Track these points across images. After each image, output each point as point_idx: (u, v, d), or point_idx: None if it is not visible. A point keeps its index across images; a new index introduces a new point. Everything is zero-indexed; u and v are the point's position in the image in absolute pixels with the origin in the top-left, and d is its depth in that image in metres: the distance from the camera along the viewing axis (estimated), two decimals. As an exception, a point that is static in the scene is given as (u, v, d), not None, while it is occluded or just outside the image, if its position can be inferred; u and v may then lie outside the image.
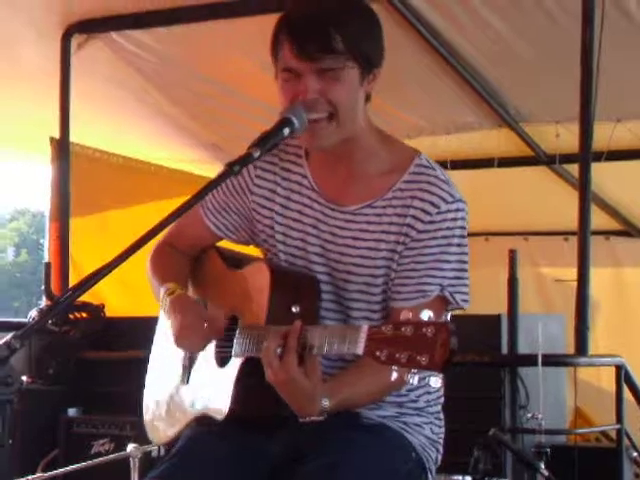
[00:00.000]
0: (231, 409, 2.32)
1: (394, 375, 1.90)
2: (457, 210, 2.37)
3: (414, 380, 1.88)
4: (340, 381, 2.32)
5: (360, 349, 2.00)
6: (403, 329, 1.90)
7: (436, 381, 1.88)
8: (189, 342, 2.43)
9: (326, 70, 2.28)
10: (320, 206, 2.45)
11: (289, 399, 2.21)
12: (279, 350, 2.17)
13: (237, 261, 2.58)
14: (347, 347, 2.05)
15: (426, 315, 1.89)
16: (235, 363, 2.36)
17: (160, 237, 2.60)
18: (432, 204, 2.36)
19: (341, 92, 2.31)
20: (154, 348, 2.74)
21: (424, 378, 1.88)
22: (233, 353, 2.37)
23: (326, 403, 2.21)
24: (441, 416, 2.55)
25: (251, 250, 2.65)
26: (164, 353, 2.66)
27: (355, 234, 2.41)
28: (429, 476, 2.51)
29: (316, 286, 2.41)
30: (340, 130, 2.34)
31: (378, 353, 1.93)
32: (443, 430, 2.56)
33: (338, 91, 2.30)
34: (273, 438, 2.40)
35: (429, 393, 2.50)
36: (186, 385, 2.53)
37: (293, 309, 2.31)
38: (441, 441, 2.55)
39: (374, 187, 2.41)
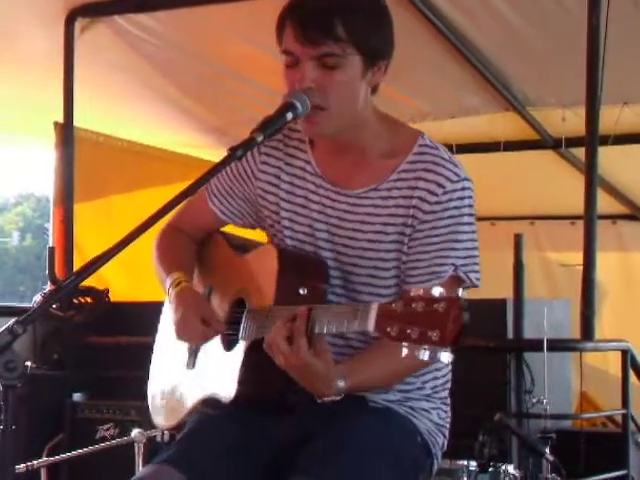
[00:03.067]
0: (238, 392, 2.31)
1: (404, 351, 1.88)
2: (463, 189, 2.36)
3: (425, 356, 1.85)
4: (355, 362, 2.31)
5: (371, 325, 1.97)
6: (414, 305, 1.87)
7: (447, 357, 1.85)
8: (188, 338, 2.47)
9: (326, 57, 2.27)
10: (326, 191, 2.44)
11: (303, 382, 2.20)
12: (287, 334, 2.15)
13: (243, 246, 2.57)
14: (358, 324, 2.03)
15: (437, 291, 1.86)
16: (242, 346, 2.36)
17: (166, 220, 2.62)
18: (437, 184, 2.35)
19: (338, 83, 2.29)
20: (159, 332, 2.74)
21: (435, 354, 1.85)
22: (240, 336, 2.37)
23: (342, 383, 2.20)
24: (448, 401, 2.55)
25: (256, 234, 2.64)
26: (170, 338, 2.65)
27: (362, 218, 2.40)
28: (435, 461, 2.51)
29: (324, 268, 2.41)
30: (335, 119, 2.33)
31: (389, 329, 1.90)
32: (450, 415, 2.55)
33: (335, 82, 2.29)
34: (280, 421, 2.40)
35: (436, 378, 2.50)
36: (193, 369, 2.52)
37: (301, 291, 2.30)
38: (447, 426, 2.54)
39: (378, 170, 2.41)
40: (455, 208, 2.35)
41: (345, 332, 2.13)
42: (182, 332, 2.45)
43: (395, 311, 1.91)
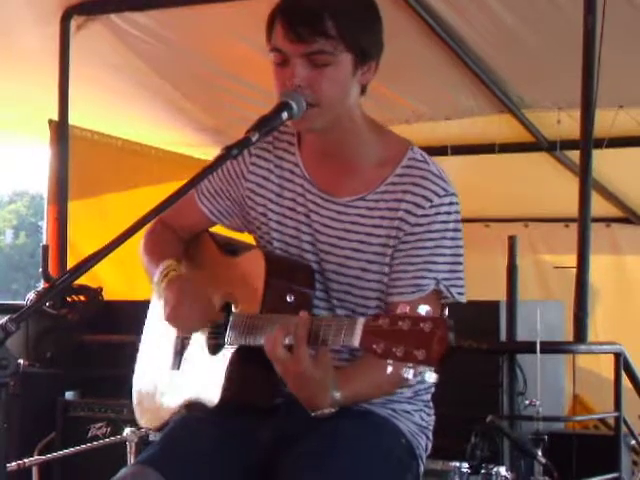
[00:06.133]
0: (222, 398, 2.31)
1: (389, 369, 1.88)
2: (450, 204, 2.36)
3: (409, 375, 1.86)
4: (349, 374, 2.29)
5: (356, 341, 1.98)
6: (400, 323, 1.88)
7: (430, 376, 1.86)
8: (183, 321, 2.42)
9: (316, 55, 2.27)
10: (312, 196, 2.44)
11: (299, 391, 2.18)
12: (287, 342, 2.14)
13: (231, 247, 2.57)
14: (343, 339, 2.03)
15: (424, 310, 1.87)
16: (227, 352, 2.35)
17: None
18: (425, 198, 2.34)
19: (329, 81, 2.29)
20: (145, 333, 2.73)
21: (420, 373, 1.86)
22: (226, 341, 2.36)
23: (337, 395, 2.19)
24: (431, 405, 2.54)
25: (244, 237, 2.63)
26: (155, 338, 2.65)
27: (347, 226, 2.40)
28: (420, 462, 2.50)
29: (311, 276, 2.40)
30: (324, 116, 2.32)
31: (374, 346, 1.91)
32: (433, 418, 2.55)
33: (326, 80, 2.28)
34: (263, 424, 2.39)
35: (420, 382, 2.48)
36: (177, 371, 2.52)
37: (288, 299, 2.29)
38: (431, 428, 2.54)
39: (366, 180, 2.40)
40: (442, 222, 2.35)
41: (330, 345, 2.11)
42: (177, 315, 2.40)
43: (381, 327, 1.92)
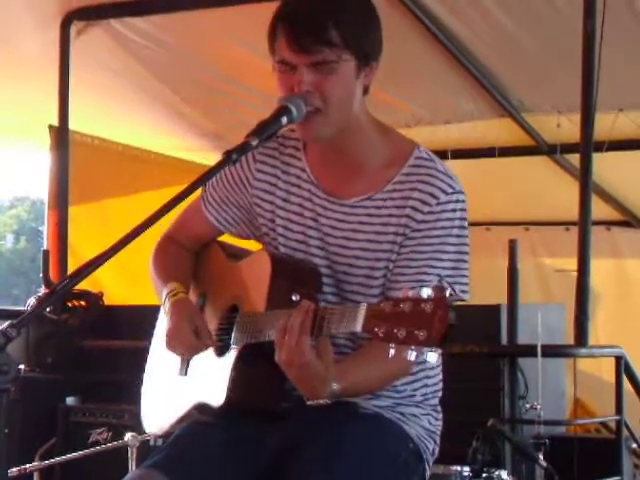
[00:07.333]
0: (228, 398, 2.31)
1: (391, 352, 1.89)
2: (457, 201, 2.37)
3: (412, 356, 1.87)
4: (347, 365, 2.29)
5: (359, 326, 1.99)
6: (402, 305, 1.89)
7: (432, 356, 1.87)
8: (177, 348, 2.45)
9: (321, 63, 2.28)
10: (319, 199, 2.45)
11: (299, 381, 2.18)
12: (291, 331, 2.14)
13: (239, 254, 2.57)
14: (345, 324, 2.04)
15: (425, 292, 1.88)
16: (233, 352, 2.36)
17: (163, 231, 2.62)
18: (431, 195, 2.35)
19: (335, 86, 2.30)
20: (154, 339, 2.73)
21: (422, 354, 1.86)
22: (232, 342, 2.37)
23: (335, 386, 2.19)
24: (438, 409, 2.55)
25: (252, 245, 2.63)
26: (163, 345, 2.65)
27: (355, 227, 2.41)
28: (426, 466, 2.50)
29: (317, 275, 2.41)
30: (332, 121, 2.33)
31: (376, 329, 1.92)
32: (440, 422, 2.55)
33: (332, 85, 2.29)
34: (271, 427, 2.39)
35: (426, 386, 2.50)
36: (184, 376, 2.52)
37: (293, 297, 2.29)
38: (438, 432, 2.54)
39: (373, 180, 2.41)
40: (447, 220, 2.36)
41: (335, 333, 2.12)
42: (172, 341, 2.45)
43: (383, 311, 1.93)
